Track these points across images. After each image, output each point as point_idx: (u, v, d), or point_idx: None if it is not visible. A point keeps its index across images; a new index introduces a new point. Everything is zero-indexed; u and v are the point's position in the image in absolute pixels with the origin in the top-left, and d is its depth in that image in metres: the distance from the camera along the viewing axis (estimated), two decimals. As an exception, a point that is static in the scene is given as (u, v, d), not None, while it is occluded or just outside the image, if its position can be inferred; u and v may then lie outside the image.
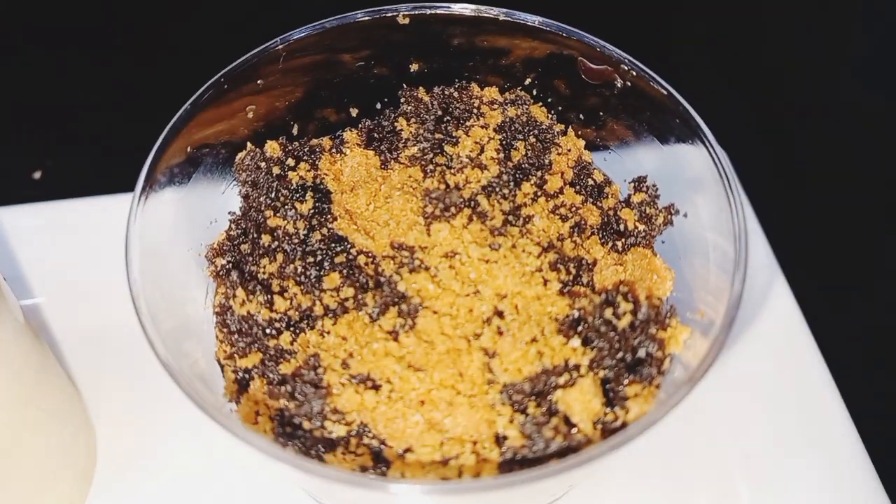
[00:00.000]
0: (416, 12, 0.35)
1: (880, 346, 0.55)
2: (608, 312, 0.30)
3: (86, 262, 0.49)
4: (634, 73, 0.34)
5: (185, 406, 0.45)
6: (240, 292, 0.31)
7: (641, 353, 0.29)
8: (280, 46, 0.34)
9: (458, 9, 0.35)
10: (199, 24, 0.69)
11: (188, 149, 0.32)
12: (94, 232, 0.51)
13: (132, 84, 0.64)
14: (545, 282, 0.31)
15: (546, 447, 0.27)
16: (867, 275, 0.58)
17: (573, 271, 0.32)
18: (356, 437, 0.29)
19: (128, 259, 0.27)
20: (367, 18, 0.35)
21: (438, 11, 0.36)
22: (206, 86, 0.32)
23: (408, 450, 0.28)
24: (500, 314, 0.31)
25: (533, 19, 0.35)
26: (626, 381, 0.29)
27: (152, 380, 0.47)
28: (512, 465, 0.27)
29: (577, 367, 0.29)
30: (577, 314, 0.30)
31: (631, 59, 0.33)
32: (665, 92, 0.33)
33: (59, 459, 0.43)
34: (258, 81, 0.34)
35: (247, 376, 0.31)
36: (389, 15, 0.35)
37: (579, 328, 0.30)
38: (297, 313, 0.32)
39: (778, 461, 0.44)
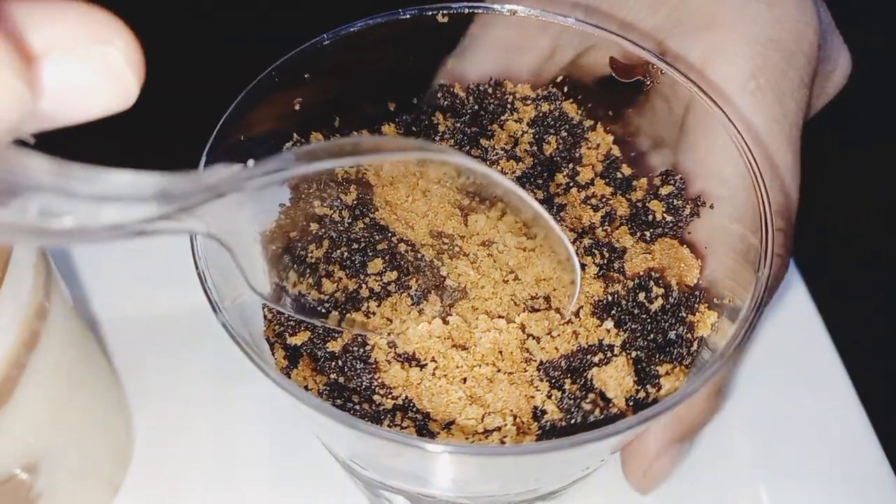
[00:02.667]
0: (456, 11, 0.37)
1: (892, 337, 0.57)
2: (641, 296, 0.31)
3: (126, 256, 0.52)
4: (663, 72, 0.36)
5: (218, 392, 0.48)
6: (291, 275, 0.33)
7: (672, 335, 0.31)
8: (328, 42, 0.36)
9: (497, 9, 0.37)
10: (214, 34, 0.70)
11: (241, 138, 0.34)
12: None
13: (167, 82, 0.65)
14: (583, 267, 0.33)
15: (584, 420, 0.29)
16: (880, 270, 0.60)
17: (607, 255, 0.33)
18: (401, 411, 0.31)
19: (193, 239, 0.29)
20: (408, 16, 0.37)
21: (477, 11, 0.37)
22: (258, 78, 0.34)
23: (451, 423, 0.30)
24: (536, 297, 0.33)
25: (567, 20, 0.37)
26: (657, 361, 0.31)
27: (187, 367, 0.49)
28: (550, 436, 0.29)
29: (610, 348, 0.31)
30: (610, 298, 0.32)
31: (660, 57, 0.35)
32: (693, 89, 0.35)
33: (98, 441, 0.45)
34: (305, 75, 0.36)
35: (296, 353, 0.33)
36: (430, 13, 0.37)
37: (612, 311, 0.32)
38: (343, 295, 0.33)
39: (793, 455, 0.46)
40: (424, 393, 0.30)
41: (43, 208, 0.16)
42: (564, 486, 0.35)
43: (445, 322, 0.32)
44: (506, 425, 0.30)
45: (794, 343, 0.49)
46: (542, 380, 0.30)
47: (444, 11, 0.37)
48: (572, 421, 0.29)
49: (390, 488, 0.35)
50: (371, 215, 0.35)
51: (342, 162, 0.24)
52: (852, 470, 0.45)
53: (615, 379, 0.30)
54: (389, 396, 0.31)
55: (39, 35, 0.15)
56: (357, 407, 0.30)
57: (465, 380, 0.31)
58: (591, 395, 0.29)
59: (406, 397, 0.31)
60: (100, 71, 0.16)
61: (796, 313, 0.50)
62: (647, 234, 0.36)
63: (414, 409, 0.31)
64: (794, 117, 0.37)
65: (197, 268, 0.29)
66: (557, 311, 0.32)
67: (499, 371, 0.30)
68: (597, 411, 0.29)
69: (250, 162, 0.21)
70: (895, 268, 0.60)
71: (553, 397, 0.30)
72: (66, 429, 0.41)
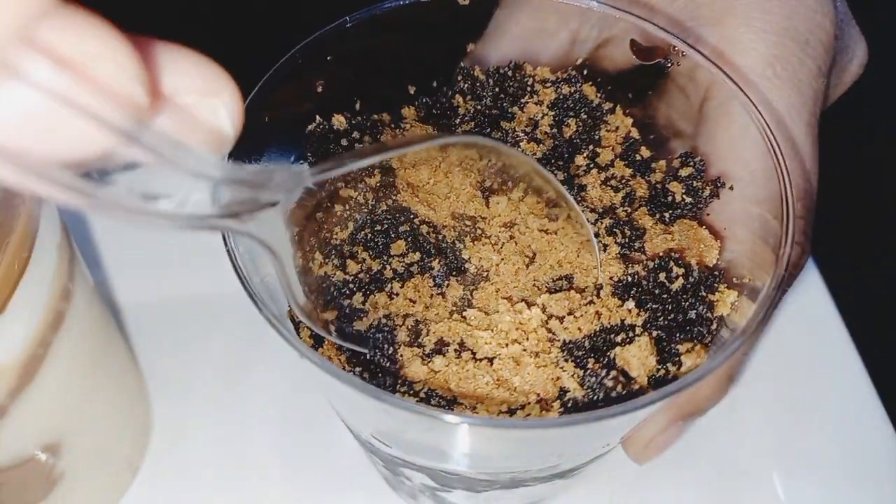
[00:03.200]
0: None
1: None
2: (662, 276, 0.32)
3: (147, 242, 0.53)
4: (684, 54, 0.36)
5: (236, 378, 0.48)
6: (318, 255, 0.34)
7: (692, 314, 0.32)
8: (350, 25, 0.36)
9: (517, -9, 0.37)
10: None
11: (266, 119, 0.34)
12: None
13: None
14: (605, 247, 0.33)
15: (606, 396, 0.29)
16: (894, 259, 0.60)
17: (628, 234, 0.34)
18: (425, 399, 0.31)
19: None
20: (430, -1, 0.37)
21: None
22: (282, 60, 0.34)
23: (477, 405, 0.30)
24: (558, 279, 0.33)
25: (587, 3, 0.37)
26: (678, 340, 0.31)
27: (206, 353, 0.50)
28: (572, 413, 0.29)
29: (632, 327, 0.31)
30: (630, 278, 0.32)
31: (683, 40, 0.35)
32: (714, 71, 0.35)
33: (119, 423, 0.46)
34: (328, 58, 0.36)
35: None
36: (451, -4, 0.37)
37: (633, 291, 0.32)
38: (367, 276, 0.34)
39: (806, 443, 0.46)
40: (452, 377, 0.31)
41: (145, 187, 0.17)
42: (584, 463, 0.35)
43: (467, 304, 0.33)
44: (529, 403, 0.30)
45: (809, 331, 0.49)
46: (566, 360, 0.31)
47: (466, -6, 0.38)
48: (594, 398, 0.29)
49: (412, 465, 0.35)
50: (394, 197, 0.36)
51: (378, 157, 0.28)
52: (866, 459, 0.46)
53: (638, 358, 0.30)
54: (411, 392, 0.31)
55: (167, 78, 0.17)
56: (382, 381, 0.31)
57: (491, 362, 0.31)
58: (614, 373, 0.29)
59: (429, 389, 0.31)
60: (206, 121, 0.18)
61: (811, 302, 0.50)
62: (667, 215, 0.36)
63: (438, 394, 0.31)
64: (812, 105, 0.38)
65: (226, 244, 0.29)
66: (579, 291, 0.33)
67: (524, 351, 0.31)
68: (619, 387, 0.29)
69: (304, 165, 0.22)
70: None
71: (575, 376, 0.30)
72: (88, 410, 0.42)
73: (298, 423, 0.48)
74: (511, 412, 0.30)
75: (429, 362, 0.31)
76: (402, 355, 0.31)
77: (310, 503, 0.45)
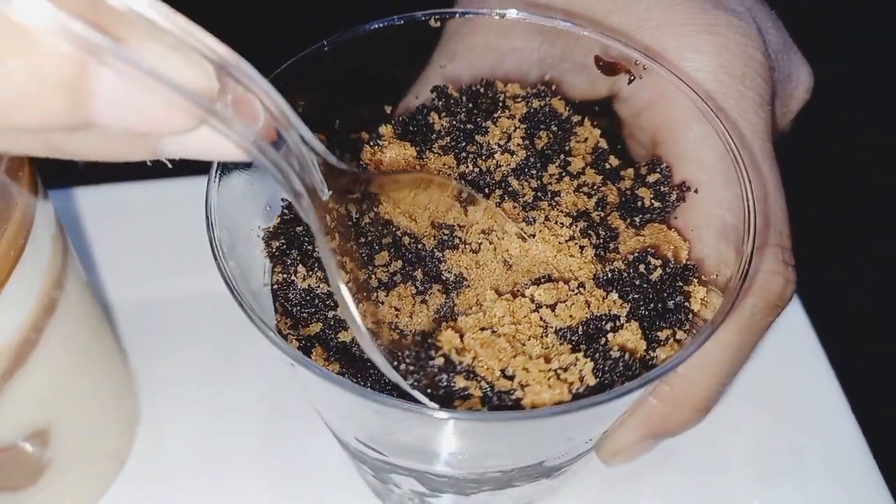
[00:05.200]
0: (448, 16, 0.39)
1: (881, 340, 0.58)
2: (641, 268, 0.33)
3: (139, 244, 0.55)
4: (645, 67, 0.38)
5: (221, 377, 0.49)
6: (301, 269, 0.35)
7: (670, 303, 0.33)
8: (327, 48, 0.37)
9: (486, 13, 0.39)
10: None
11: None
12: (142, 214, 0.57)
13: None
14: (581, 249, 0.35)
15: (613, 370, 0.30)
16: (867, 271, 0.61)
17: (603, 234, 0.35)
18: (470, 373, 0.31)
19: (210, 224, 0.30)
20: (402, 22, 0.39)
21: (467, 16, 0.40)
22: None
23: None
24: (539, 280, 0.35)
25: (551, 21, 0.39)
26: (658, 328, 0.33)
27: (193, 353, 0.51)
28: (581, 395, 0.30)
29: (617, 317, 0.33)
30: (610, 274, 0.34)
31: (643, 53, 0.37)
32: (676, 83, 0.37)
33: (106, 415, 0.47)
34: (307, 80, 0.38)
35: (309, 344, 0.34)
36: (423, 19, 0.39)
37: (615, 284, 0.34)
38: (354, 286, 0.35)
39: (785, 464, 0.47)
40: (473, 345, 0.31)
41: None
42: (569, 460, 0.36)
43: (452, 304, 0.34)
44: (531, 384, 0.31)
45: (785, 351, 0.51)
46: (562, 344, 0.32)
47: (437, 17, 0.39)
48: (605, 372, 0.30)
49: (401, 470, 0.36)
50: (375, 209, 0.37)
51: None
52: (845, 484, 0.47)
53: (633, 341, 0.31)
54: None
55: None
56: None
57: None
58: (617, 347, 0.31)
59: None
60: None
61: (786, 320, 0.51)
62: (637, 219, 0.38)
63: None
64: (763, 133, 0.38)
65: (216, 258, 0.30)
66: (565, 282, 0.34)
67: (520, 333, 0.32)
68: (625, 359, 0.30)
69: None
70: (881, 268, 0.62)
71: (577, 358, 0.31)
72: (77, 399, 0.43)
73: (284, 418, 0.49)
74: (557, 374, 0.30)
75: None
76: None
77: (293, 497, 0.46)
